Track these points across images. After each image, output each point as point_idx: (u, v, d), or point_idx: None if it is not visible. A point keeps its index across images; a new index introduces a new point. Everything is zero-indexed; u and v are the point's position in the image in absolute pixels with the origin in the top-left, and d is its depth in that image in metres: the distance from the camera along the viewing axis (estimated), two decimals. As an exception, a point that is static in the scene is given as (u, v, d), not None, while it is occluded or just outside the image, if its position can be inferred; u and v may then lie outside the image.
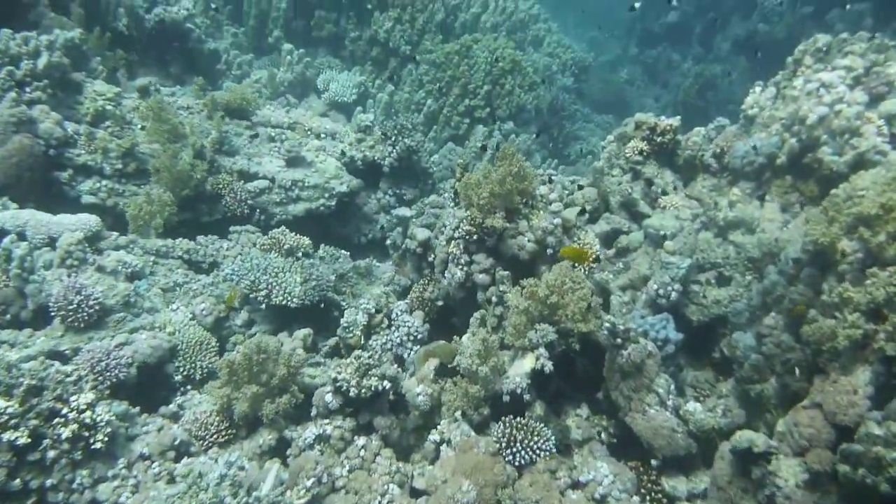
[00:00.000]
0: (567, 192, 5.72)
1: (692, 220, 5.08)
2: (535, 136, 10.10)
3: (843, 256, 3.50)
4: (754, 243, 4.75)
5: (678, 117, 5.74)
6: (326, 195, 6.75)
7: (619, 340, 4.01)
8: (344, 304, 5.75)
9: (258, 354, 4.47)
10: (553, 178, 5.94)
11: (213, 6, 9.75)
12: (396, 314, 5.29)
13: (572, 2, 22.82)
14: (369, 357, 4.42)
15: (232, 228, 6.12)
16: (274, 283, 5.33)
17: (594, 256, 4.87)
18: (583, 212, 5.45)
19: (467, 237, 5.03)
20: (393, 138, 6.98)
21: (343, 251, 6.56)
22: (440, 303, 5.33)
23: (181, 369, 4.95)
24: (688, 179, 5.73)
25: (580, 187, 5.75)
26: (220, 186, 6.29)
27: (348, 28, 10.44)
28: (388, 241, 6.13)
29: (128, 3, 7.36)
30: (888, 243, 3.23)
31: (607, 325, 3.97)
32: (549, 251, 4.98)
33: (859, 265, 3.43)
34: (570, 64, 12.55)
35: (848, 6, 10.96)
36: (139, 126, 6.25)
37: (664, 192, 5.52)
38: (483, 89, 9.59)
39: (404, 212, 5.98)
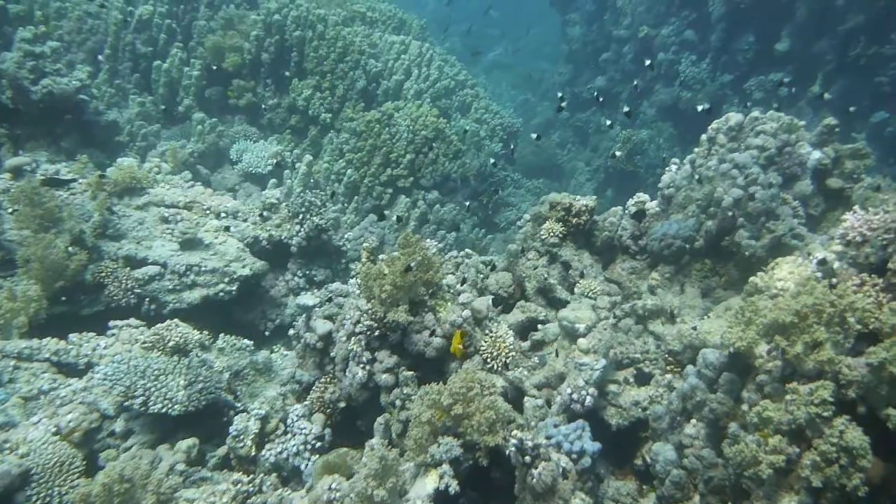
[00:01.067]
0: (482, 275, 5.34)
1: (610, 308, 4.75)
2: (466, 204, 9.85)
3: (761, 364, 3.18)
4: (674, 335, 4.43)
5: (594, 197, 5.48)
6: (227, 279, 6.20)
7: (528, 458, 3.56)
8: (239, 405, 5.16)
9: (120, 484, 3.84)
10: (467, 259, 5.58)
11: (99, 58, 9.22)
12: (293, 419, 4.74)
13: (507, 66, 23.35)
14: (249, 482, 3.85)
15: (112, 323, 5.48)
16: (153, 388, 4.71)
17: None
18: (497, 300, 5.07)
19: (369, 332, 4.57)
20: (300, 216, 6.54)
21: (246, 340, 6.00)
22: (342, 404, 4.81)
23: (35, 499, 4.25)
24: (607, 262, 5.45)
25: (493, 267, 5.39)
26: (103, 275, 5.68)
27: (266, 96, 10.08)
28: (292, 332, 5.60)
29: (10, 74, 6.80)
30: (806, 354, 2.91)
31: (514, 441, 3.53)
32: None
33: (779, 375, 3.11)
34: (499, 129, 12.46)
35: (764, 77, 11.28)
36: (9, 210, 5.63)
37: (582, 276, 5.20)
38: (406, 158, 9.30)
39: (307, 300, 5.49)
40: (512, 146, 12.20)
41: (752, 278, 4.29)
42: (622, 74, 14.81)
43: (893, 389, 2.74)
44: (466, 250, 5.94)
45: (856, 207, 3.65)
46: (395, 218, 8.26)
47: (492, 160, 11.40)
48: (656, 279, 4.99)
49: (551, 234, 5.28)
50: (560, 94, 7.81)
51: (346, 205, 9.26)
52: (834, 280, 3.41)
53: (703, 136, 5.47)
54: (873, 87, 10.48)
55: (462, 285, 4.86)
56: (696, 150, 5.48)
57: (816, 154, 4.99)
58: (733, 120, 5.26)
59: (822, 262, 3.54)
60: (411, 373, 4.41)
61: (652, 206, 5.56)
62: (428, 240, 5.30)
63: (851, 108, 9.18)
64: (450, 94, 11.86)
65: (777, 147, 5.06)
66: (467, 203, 9.90)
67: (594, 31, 15.96)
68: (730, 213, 4.69)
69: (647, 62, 12.00)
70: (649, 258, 5.22)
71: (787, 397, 2.89)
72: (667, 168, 5.46)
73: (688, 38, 12.77)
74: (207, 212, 6.56)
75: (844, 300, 2.90)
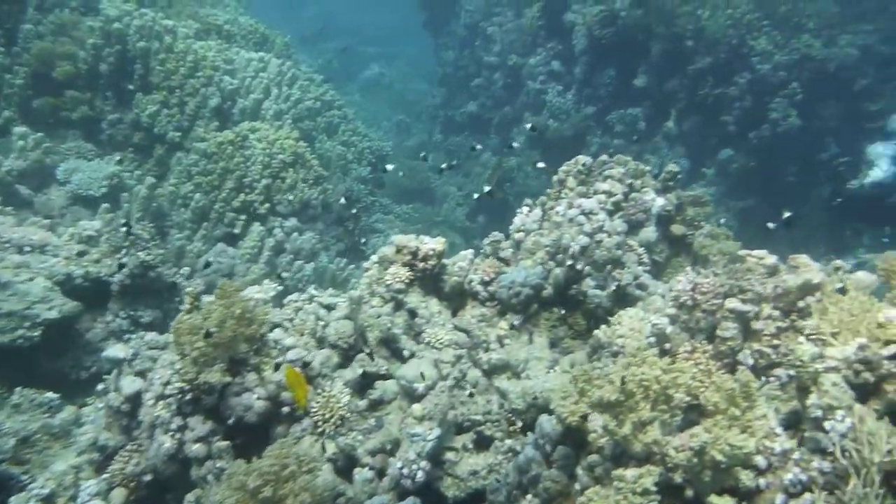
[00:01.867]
0: (322, 323, 4.90)
1: (455, 362, 4.45)
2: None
3: (594, 440, 2.98)
4: (518, 392, 4.21)
5: (443, 239, 5.20)
6: (27, 324, 5.37)
7: (348, 548, 3.17)
8: (27, 478, 4.40)
9: None
10: (307, 304, 5.13)
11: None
12: (84, 498, 4.07)
13: (384, 86, 23.08)
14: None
15: None
16: None
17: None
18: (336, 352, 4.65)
19: (180, 395, 4.01)
20: (124, 252, 5.82)
21: (51, 394, 5.21)
22: (149, 477, 4.19)
23: None
24: (456, 308, 5.18)
25: (328, 309, 4.97)
26: None
27: (106, 110, 9.12)
28: (100, 387, 4.89)
29: None
30: (634, 435, 2.72)
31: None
32: (286, 409, 4.11)
33: (610, 454, 2.91)
34: (367, 153, 12.08)
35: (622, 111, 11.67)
36: None
37: (429, 325, 4.90)
38: (261, 183, 8.69)
39: (116, 352, 4.80)
40: (385, 168, 11.89)
41: (595, 332, 4.16)
42: (493, 101, 14.91)
43: (717, 474, 2.59)
44: (311, 290, 5.48)
45: (688, 269, 3.57)
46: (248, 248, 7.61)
47: (360, 185, 11.03)
48: (504, 329, 4.77)
49: (397, 279, 4.95)
50: (423, 154, 7.58)
51: (193, 232, 8.50)
52: (667, 346, 3.30)
53: (554, 177, 5.36)
54: (720, 125, 11.08)
55: (293, 339, 4.40)
56: (547, 191, 5.36)
57: (661, 201, 4.99)
58: (582, 161, 5.18)
59: (657, 328, 3.42)
60: (226, 443, 3.89)
61: (506, 247, 5.36)
62: (259, 285, 4.81)
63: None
64: (314, 115, 11.33)
65: (624, 192, 5.02)
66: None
67: (466, 57, 16.01)
68: (577, 262, 4.56)
69: (529, 125, 12.19)
70: (499, 305, 5.01)
71: (615, 484, 2.68)
72: (517, 210, 5.31)
73: (554, 68, 13.02)
74: (6, 245, 5.67)
75: (668, 376, 2.74)
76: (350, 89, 22.56)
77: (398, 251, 5.05)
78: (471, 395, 4.19)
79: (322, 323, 4.89)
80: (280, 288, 5.50)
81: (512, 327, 4.72)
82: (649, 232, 4.91)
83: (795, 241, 8.21)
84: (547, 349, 4.68)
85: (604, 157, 5.24)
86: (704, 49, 10.86)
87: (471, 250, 5.38)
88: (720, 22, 10.37)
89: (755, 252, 3.62)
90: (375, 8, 26.49)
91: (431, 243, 5.07)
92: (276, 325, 4.64)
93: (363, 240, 10.87)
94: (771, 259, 3.54)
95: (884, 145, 9.84)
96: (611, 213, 4.87)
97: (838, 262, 3.47)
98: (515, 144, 12.36)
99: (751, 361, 3.13)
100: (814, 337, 3.00)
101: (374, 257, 5.30)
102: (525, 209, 5.28)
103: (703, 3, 10.59)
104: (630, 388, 2.74)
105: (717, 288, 3.22)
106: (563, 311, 4.70)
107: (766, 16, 10.64)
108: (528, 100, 13.59)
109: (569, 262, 4.59)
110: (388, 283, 4.94)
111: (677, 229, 5.07)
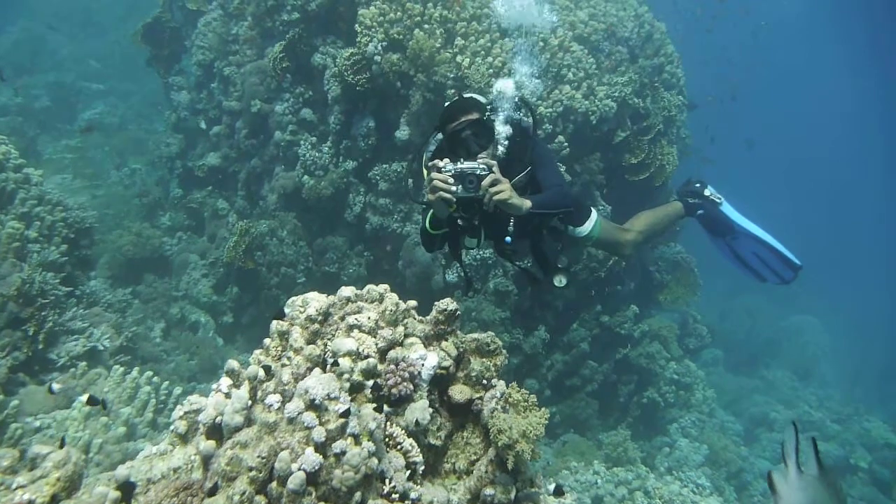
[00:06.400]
0: None
1: None
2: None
3: None
4: None
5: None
6: None
7: None
8: None
9: None
10: None
11: None
12: None
13: (114, 128, 19.43)
14: None
15: None
16: None
17: None
18: None
19: None
20: None
21: None
22: None
23: None
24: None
25: None
26: None
27: None
28: None
29: None
30: None
31: None
32: None
33: None
34: (61, 227, 9.17)
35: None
36: None
37: None
38: None
39: None
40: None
41: None
42: (238, 152, 12.66)
43: None
44: None
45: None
46: None
47: (48, 273, 8.27)
48: None
49: None
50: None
51: None
52: None
53: (274, 326, 3.46)
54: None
55: None
56: (257, 352, 3.43)
57: (433, 359, 3.33)
58: (315, 306, 3.35)
59: None
60: None
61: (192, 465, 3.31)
62: None
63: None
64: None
65: (381, 350, 3.28)
66: None
67: (204, 100, 13.58)
68: (301, 499, 2.70)
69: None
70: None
71: None
72: (214, 385, 3.30)
73: (306, 117, 11.19)
74: None
75: None
76: (69, 133, 18.72)
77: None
78: None
79: None
80: None
81: None
82: (419, 409, 3.22)
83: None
84: None
85: (347, 292, 3.48)
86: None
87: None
88: (482, 70, 9.33)
89: None
90: (98, 36, 22.60)
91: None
92: None
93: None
94: None
95: None
96: (358, 390, 3.10)
97: None
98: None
99: None
100: None
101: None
102: (223, 383, 3.29)
103: (463, 49, 9.49)
104: None
105: None
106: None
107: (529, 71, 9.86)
108: (278, 152, 11.59)
109: (289, 499, 2.70)
110: None
111: (459, 393, 3.46)
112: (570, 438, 11.03)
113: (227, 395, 3.14)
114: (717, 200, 6.74)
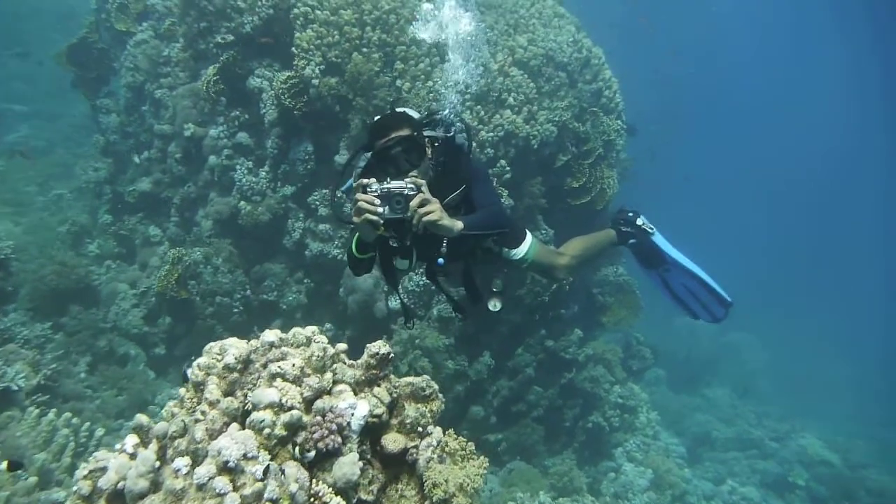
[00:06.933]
0: None
1: None
2: None
3: None
4: None
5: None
6: None
7: None
8: None
9: None
10: None
11: None
12: None
13: (39, 152, 18.51)
14: None
15: None
16: None
17: None
18: None
19: None
20: None
21: None
22: None
23: None
24: None
25: None
26: None
27: None
28: None
29: None
30: None
31: None
32: None
33: None
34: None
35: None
36: None
37: None
38: None
39: None
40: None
41: None
42: (171, 178, 12.16)
43: None
44: None
45: None
46: None
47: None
48: None
49: None
50: None
51: None
52: None
53: (190, 371, 3.17)
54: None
55: None
56: (170, 404, 3.13)
57: (363, 408, 3.10)
58: (234, 353, 3.08)
59: None
60: None
61: None
62: None
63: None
64: None
65: (306, 399, 3.03)
66: None
67: (135, 122, 13.04)
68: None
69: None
70: None
71: None
72: (119, 448, 2.98)
73: (242, 141, 10.84)
74: None
75: None
76: (-10, 156, 17.74)
77: None
78: None
79: None
80: None
81: None
82: (348, 464, 2.97)
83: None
84: None
85: (271, 336, 3.21)
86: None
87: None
88: (422, 94, 9.22)
89: None
90: (22, 56, 21.60)
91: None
92: None
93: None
94: None
95: None
96: (281, 445, 2.84)
97: None
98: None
99: None
100: None
101: None
102: (129, 442, 2.97)
103: (403, 73, 9.37)
104: None
105: None
106: None
107: (466, 88, 9.79)
108: (213, 177, 11.17)
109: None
110: None
111: (393, 443, 3.23)
112: (517, 466, 10.86)
113: (133, 456, 2.82)
114: (650, 230, 6.62)
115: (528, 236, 5.52)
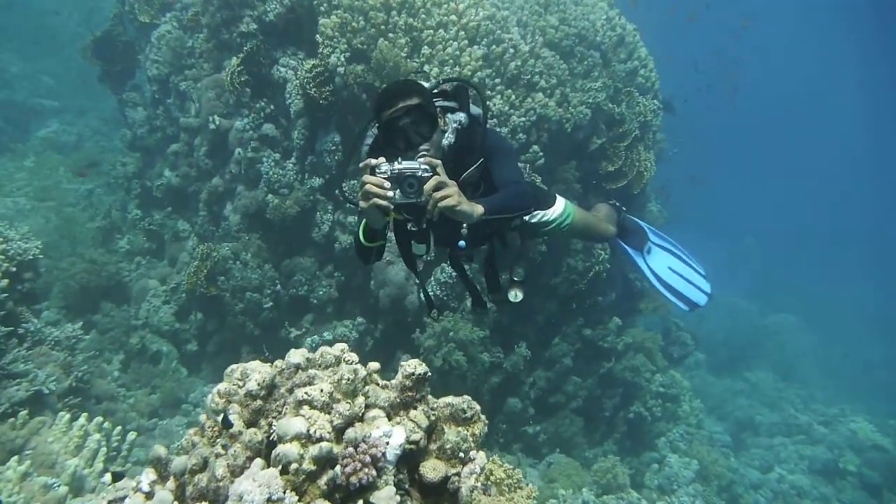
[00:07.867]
0: None
1: None
2: None
3: None
4: None
5: None
6: None
7: None
8: None
9: None
10: None
11: None
12: None
13: (70, 148, 18.60)
14: None
15: None
16: None
17: None
18: None
19: None
20: None
21: None
22: None
23: None
24: None
25: None
26: None
27: None
28: None
29: None
30: None
31: None
32: None
33: None
34: (2, 261, 8.46)
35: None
36: None
37: None
38: None
39: None
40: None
41: None
42: (198, 171, 12.03)
43: None
44: None
45: None
46: None
47: None
48: None
49: None
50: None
51: None
52: None
53: (209, 401, 2.93)
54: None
55: None
56: (190, 432, 2.89)
57: (399, 436, 2.82)
58: (256, 379, 2.82)
59: None
60: None
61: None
62: None
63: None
64: None
65: (337, 428, 2.76)
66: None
67: (161, 116, 12.93)
68: None
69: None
70: None
71: None
72: (134, 487, 2.75)
73: (268, 132, 10.61)
74: None
75: None
76: (23, 152, 17.89)
77: None
78: None
79: None
80: None
81: None
82: (384, 499, 2.70)
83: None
84: None
85: (298, 357, 2.95)
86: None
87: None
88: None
89: None
90: (51, 52, 21.72)
91: None
92: None
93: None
94: None
95: None
96: (310, 480, 2.59)
97: None
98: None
99: None
100: None
101: None
102: (145, 479, 2.74)
103: (430, 58, 9.01)
104: None
105: None
106: None
107: (496, 73, 9.41)
108: (240, 170, 10.98)
109: None
110: None
111: (432, 472, 2.96)
112: (556, 459, 10.57)
113: (149, 496, 2.59)
114: (622, 207, 6.77)
115: (560, 198, 5.32)
